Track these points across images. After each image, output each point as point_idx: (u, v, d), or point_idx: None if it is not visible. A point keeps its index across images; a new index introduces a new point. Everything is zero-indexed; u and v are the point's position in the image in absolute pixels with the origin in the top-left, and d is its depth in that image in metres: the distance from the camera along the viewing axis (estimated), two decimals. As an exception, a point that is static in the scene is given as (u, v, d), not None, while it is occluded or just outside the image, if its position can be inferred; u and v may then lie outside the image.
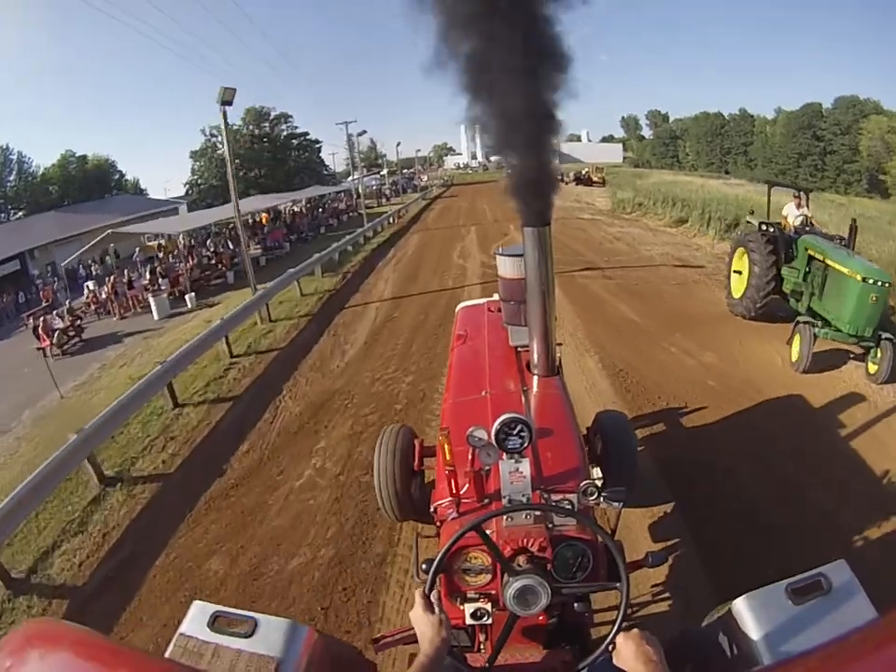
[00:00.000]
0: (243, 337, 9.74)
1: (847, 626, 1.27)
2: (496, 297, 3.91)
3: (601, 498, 1.83)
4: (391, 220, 26.70)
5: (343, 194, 40.85)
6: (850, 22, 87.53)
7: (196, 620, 1.49)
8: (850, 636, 1.21)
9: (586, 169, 42.44)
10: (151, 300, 14.68)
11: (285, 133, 57.50)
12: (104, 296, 16.02)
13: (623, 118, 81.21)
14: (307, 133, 59.27)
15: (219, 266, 18.65)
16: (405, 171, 62.25)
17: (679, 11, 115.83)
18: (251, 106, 54.13)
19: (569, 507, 1.79)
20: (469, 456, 1.95)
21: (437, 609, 1.34)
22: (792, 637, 1.36)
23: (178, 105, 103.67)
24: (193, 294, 15.25)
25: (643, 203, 22.20)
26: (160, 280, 16.83)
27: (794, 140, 55.51)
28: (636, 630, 1.27)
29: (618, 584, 1.56)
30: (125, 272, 17.24)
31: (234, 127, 49.13)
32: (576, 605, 1.74)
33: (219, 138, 49.54)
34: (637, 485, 3.30)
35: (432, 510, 2.21)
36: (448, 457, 1.92)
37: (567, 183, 40.40)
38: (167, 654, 1.42)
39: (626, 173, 47.50)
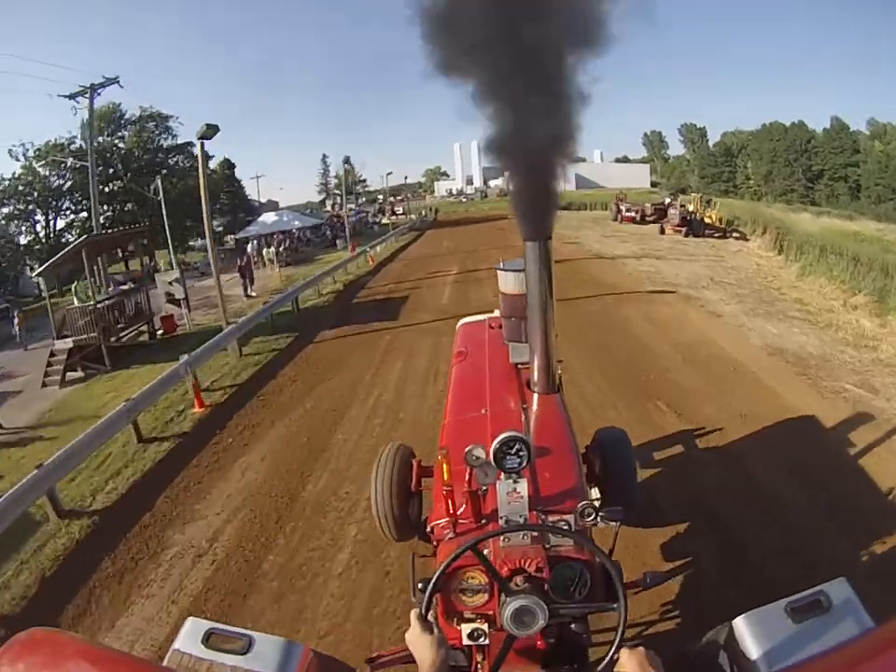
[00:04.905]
0: None
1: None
2: (496, 313, 3.87)
3: (598, 518, 1.79)
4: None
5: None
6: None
7: (190, 636, 1.48)
8: (847, 645, 1.21)
9: (689, 203, 23.70)
10: None
11: (159, 145, 35.08)
12: None
13: (645, 134, 72.99)
14: (190, 144, 32.40)
15: None
16: (382, 199, 46.41)
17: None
18: (104, 105, 29.47)
19: (566, 527, 1.77)
20: (467, 476, 1.95)
21: (435, 630, 1.30)
22: (792, 656, 1.34)
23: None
24: None
25: None
26: None
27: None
28: (639, 648, 1.25)
29: (615, 605, 1.51)
30: None
31: (67, 140, 30.42)
32: (574, 625, 1.68)
33: (38, 164, 30.20)
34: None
35: (429, 529, 2.20)
36: (446, 477, 1.93)
37: (643, 220, 24.54)
38: None
39: (740, 207, 27.78)
